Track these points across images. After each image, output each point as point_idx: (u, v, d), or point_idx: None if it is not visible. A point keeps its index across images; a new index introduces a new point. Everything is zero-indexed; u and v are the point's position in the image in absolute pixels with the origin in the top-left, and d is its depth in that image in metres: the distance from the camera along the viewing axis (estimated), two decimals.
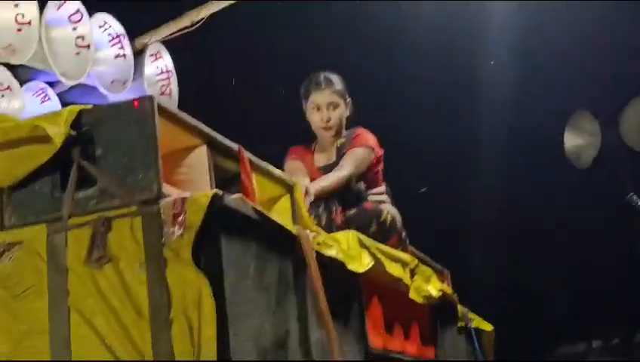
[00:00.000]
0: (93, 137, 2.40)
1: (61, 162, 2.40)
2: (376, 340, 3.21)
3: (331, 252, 2.86)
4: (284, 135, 4.70)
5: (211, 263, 2.25)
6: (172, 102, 5.97)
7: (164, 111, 2.43)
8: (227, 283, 2.26)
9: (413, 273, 3.56)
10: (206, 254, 2.25)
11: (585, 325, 7.05)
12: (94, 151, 2.39)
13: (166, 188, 2.36)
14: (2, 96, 5.10)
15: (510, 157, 7.40)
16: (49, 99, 5.44)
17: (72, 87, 5.56)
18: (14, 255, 2.41)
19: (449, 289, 4.16)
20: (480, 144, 7.42)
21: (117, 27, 5.81)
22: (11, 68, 5.19)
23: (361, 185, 4.02)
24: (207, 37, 6.04)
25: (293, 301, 2.64)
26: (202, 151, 2.66)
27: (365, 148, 4.10)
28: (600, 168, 7.53)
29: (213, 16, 5.86)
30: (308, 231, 2.80)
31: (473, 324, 4.31)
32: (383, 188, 4.17)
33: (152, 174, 2.32)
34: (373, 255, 3.16)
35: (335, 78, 4.19)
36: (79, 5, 5.47)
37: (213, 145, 2.70)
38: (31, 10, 5.11)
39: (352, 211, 3.89)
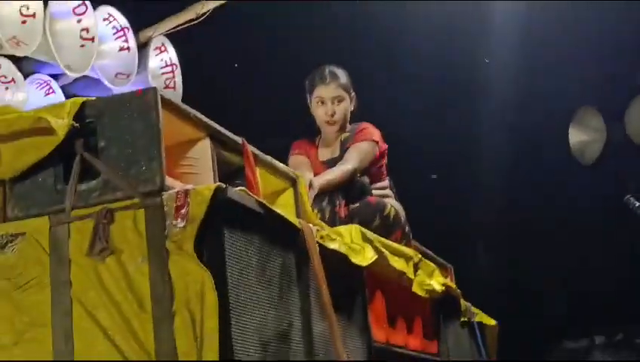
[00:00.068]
0: (96, 129, 2.39)
1: (64, 154, 2.40)
2: (379, 334, 3.21)
3: (334, 245, 2.86)
4: (288, 129, 4.70)
5: (214, 256, 2.24)
6: (176, 96, 5.96)
7: (167, 104, 2.42)
8: (230, 276, 2.26)
9: (416, 267, 3.56)
10: (209, 247, 2.24)
11: (585, 325, 7.04)
12: (97, 143, 2.38)
13: (169, 180, 2.36)
14: (6, 88, 5.09)
15: (510, 157, 7.39)
16: (53, 91, 5.43)
17: (76, 80, 5.56)
18: (17, 246, 2.41)
19: (452, 284, 4.16)
20: (480, 144, 7.41)
21: (121, 20, 5.79)
22: (15, 60, 5.19)
23: (365, 179, 4.01)
24: (212, 30, 6.03)
25: (296, 294, 2.63)
26: (206, 144, 2.65)
27: (370, 142, 4.09)
28: (604, 165, 7.51)
29: (218, 9, 5.86)
30: (311, 224, 2.80)
31: (476, 319, 4.31)
32: (386, 182, 4.16)
33: (155, 166, 2.31)
34: (376, 249, 3.16)
35: (340, 72, 4.18)
36: None
37: (216, 138, 2.69)
38: (35, 2, 5.10)
39: (356, 205, 3.87)
